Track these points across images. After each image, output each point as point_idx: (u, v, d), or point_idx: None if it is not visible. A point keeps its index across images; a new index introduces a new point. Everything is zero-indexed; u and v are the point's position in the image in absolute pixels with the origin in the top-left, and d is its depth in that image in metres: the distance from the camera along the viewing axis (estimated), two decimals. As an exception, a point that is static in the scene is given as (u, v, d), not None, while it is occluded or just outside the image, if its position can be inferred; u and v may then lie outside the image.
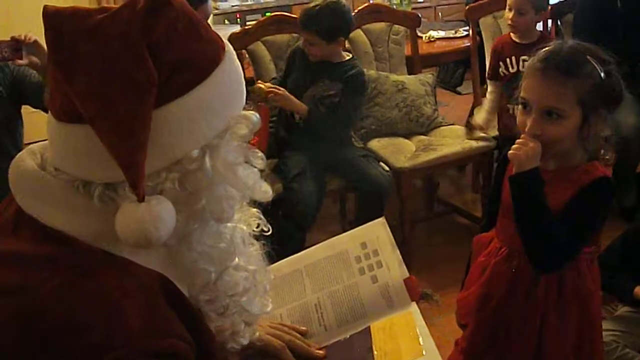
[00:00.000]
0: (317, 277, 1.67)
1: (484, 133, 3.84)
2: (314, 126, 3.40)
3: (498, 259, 1.98)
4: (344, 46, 3.67)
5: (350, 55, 3.54)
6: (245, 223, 1.26)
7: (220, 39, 1.14)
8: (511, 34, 3.78)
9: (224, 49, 1.13)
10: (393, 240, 1.70)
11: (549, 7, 3.86)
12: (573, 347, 1.95)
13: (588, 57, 1.77)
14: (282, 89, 3.31)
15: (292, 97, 3.33)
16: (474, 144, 3.75)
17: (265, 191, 1.23)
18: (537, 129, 1.76)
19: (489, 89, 3.91)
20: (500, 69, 3.73)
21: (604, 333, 2.51)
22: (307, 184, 3.26)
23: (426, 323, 1.35)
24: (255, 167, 1.20)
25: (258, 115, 1.18)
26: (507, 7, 3.72)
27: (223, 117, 1.10)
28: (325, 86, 3.40)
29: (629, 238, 2.81)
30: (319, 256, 1.71)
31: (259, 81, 3.44)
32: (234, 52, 1.17)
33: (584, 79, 1.74)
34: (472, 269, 2.10)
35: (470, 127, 3.82)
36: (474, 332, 2.06)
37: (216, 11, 6.16)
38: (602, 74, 1.76)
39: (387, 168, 3.51)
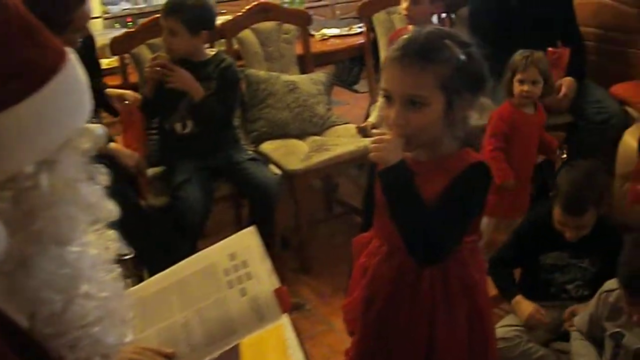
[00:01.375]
0: (185, 294, 1.60)
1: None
2: (205, 116, 3.29)
3: (379, 258, 1.92)
4: (209, 44, 3.56)
5: (215, 50, 3.47)
6: (98, 246, 1.16)
7: (62, 46, 1.05)
8: (409, 26, 3.75)
9: (66, 57, 1.04)
10: (263, 249, 1.64)
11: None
12: (465, 339, 1.91)
13: (446, 41, 1.73)
14: (176, 67, 3.22)
15: (189, 75, 3.23)
16: (368, 142, 3.66)
17: (110, 210, 1.15)
18: (401, 119, 1.71)
19: None
20: None
21: (507, 328, 2.60)
22: (193, 192, 3.14)
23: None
24: (99, 184, 1.12)
25: (104, 128, 1.11)
26: None
27: (62, 129, 1.02)
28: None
29: (521, 231, 2.83)
30: (187, 271, 1.64)
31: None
32: (77, 62, 1.08)
33: (443, 63, 1.70)
34: (354, 272, 2.03)
35: (362, 132, 3.75)
36: (361, 338, 2.00)
37: (106, 15, 6.00)
38: (462, 57, 1.72)
39: (277, 171, 3.43)
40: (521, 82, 3.19)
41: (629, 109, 3.91)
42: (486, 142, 3.24)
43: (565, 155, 3.21)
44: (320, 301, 3.47)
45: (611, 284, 2.36)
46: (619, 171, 3.79)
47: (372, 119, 3.81)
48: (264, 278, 1.58)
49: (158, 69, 3.21)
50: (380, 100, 3.73)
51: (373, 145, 1.74)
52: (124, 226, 1.25)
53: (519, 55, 3.22)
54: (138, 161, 3.13)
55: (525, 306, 2.63)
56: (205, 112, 3.26)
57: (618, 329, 2.31)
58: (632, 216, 3.57)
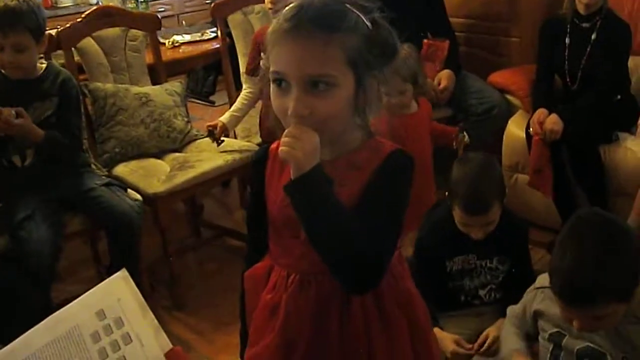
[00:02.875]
0: None
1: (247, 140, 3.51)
2: (50, 154, 2.81)
3: (290, 291, 1.51)
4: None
5: (45, 63, 2.96)
6: None
7: None
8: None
9: None
10: (142, 299, 1.21)
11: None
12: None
13: (347, 4, 1.38)
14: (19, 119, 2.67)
15: (29, 122, 2.70)
16: (237, 155, 3.32)
17: None
18: (303, 108, 1.33)
19: (245, 86, 3.54)
20: (262, 62, 3.32)
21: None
22: (38, 230, 2.64)
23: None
24: None
25: None
26: None
27: None
28: (38, 110, 2.80)
29: (420, 245, 2.54)
30: (40, 343, 1.19)
31: None
32: None
33: (349, 32, 1.35)
34: (256, 315, 1.60)
35: (211, 134, 3.35)
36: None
37: None
38: (368, 24, 1.39)
39: (137, 196, 2.98)
40: (387, 94, 2.81)
41: (510, 98, 3.82)
42: None
43: (467, 138, 2.96)
44: (201, 340, 3.07)
45: (543, 279, 2.06)
46: (505, 162, 3.70)
47: (223, 118, 3.41)
48: (148, 338, 1.17)
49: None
50: (239, 101, 3.36)
51: (287, 139, 1.33)
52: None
53: None
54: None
55: (446, 343, 2.38)
56: (50, 148, 2.79)
57: (557, 329, 2.02)
58: (526, 209, 3.42)
